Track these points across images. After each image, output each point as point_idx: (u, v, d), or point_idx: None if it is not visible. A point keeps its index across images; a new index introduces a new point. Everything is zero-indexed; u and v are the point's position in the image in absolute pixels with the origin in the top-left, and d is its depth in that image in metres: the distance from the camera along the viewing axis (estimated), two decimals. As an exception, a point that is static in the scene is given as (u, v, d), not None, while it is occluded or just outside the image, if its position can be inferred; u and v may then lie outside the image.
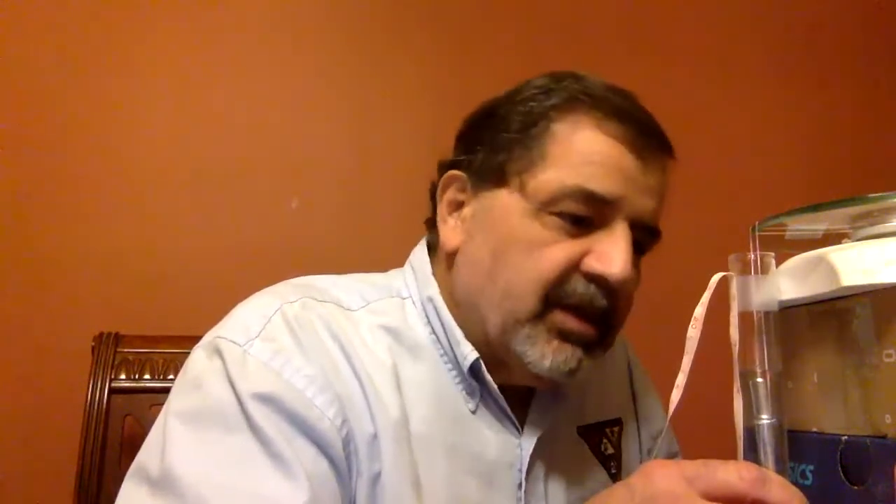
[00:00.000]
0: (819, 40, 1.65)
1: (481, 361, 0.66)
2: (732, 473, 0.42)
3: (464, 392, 0.67)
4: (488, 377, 0.66)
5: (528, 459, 0.67)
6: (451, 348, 0.67)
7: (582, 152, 0.63)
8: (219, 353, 0.60)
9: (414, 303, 0.70)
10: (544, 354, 0.63)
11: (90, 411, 1.01)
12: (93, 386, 1.02)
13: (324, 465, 0.57)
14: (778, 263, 0.49)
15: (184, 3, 1.33)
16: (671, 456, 0.85)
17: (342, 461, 0.59)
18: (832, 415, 0.46)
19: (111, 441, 1.01)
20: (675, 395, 0.51)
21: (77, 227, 1.23)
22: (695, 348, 0.51)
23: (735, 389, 0.47)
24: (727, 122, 1.57)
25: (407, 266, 0.74)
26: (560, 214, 0.62)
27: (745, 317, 0.48)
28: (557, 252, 0.62)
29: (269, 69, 1.36)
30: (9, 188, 1.21)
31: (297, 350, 0.61)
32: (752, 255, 0.48)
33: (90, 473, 0.99)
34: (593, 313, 0.63)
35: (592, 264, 0.62)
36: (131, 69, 1.29)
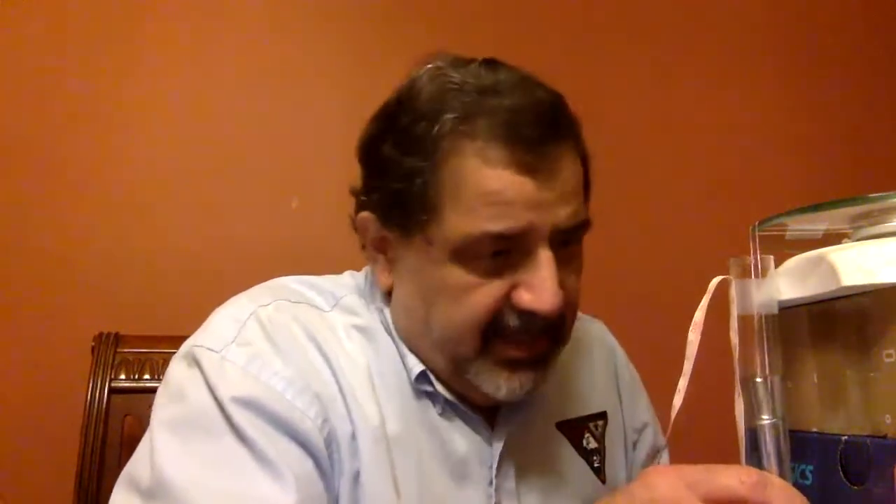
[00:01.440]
0: (819, 40, 1.65)
1: (428, 373, 0.66)
2: (733, 478, 0.42)
3: (426, 396, 0.67)
4: (439, 387, 0.66)
5: (498, 456, 0.68)
6: (402, 358, 0.67)
7: (474, 195, 0.59)
8: (196, 361, 0.61)
9: (376, 308, 0.70)
10: (498, 386, 0.63)
11: (90, 411, 1.01)
12: (93, 386, 1.02)
13: (309, 465, 0.58)
14: (778, 263, 0.49)
15: (183, 4, 1.33)
16: (657, 451, 0.84)
17: (325, 460, 0.59)
18: (832, 415, 0.46)
19: (111, 441, 1.01)
20: (678, 400, 0.51)
21: (77, 227, 1.23)
22: (695, 352, 0.50)
23: (736, 393, 0.47)
24: (727, 122, 1.57)
25: (366, 274, 0.74)
26: (476, 258, 0.60)
27: (745, 319, 0.48)
28: (483, 295, 0.61)
29: (269, 69, 1.36)
30: (9, 188, 1.21)
31: (274, 353, 0.61)
32: (752, 258, 0.48)
33: (90, 473, 0.99)
34: (532, 335, 0.62)
35: (522, 298, 0.61)
36: (131, 69, 1.29)
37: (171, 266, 1.25)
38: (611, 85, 1.49)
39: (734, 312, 0.48)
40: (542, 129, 0.60)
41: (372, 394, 0.64)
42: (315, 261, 1.33)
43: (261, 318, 0.63)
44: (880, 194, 0.47)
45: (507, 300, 0.61)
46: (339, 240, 1.35)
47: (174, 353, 1.06)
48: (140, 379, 1.04)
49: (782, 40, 1.64)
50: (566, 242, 0.63)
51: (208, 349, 0.61)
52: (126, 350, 1.05)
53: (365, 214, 0.67)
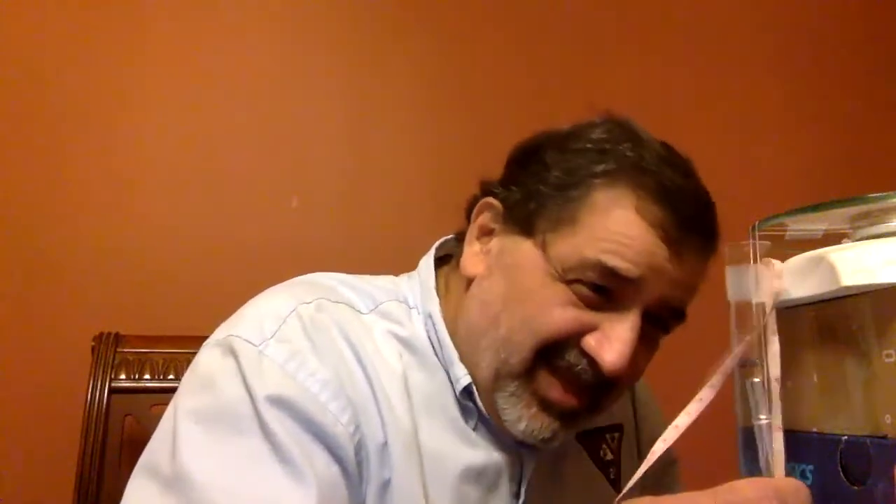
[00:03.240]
0: (819, 39, 1.65)
1: (475, 386, 0.66)
2: None
3: (461, 411, 0.67)
4: (480, 403, 0.66)
5: (529, 472, 0.68)
6: (447, 368, 0.67)
7: (612, 231, 0.61)
8: (233, 352, 0.59)
9: (419, 313, 0.70)
10: (521, 418, 0.63)
11: (90, 411, 1.01)
12: (93, 386, 1.02)
13: (335, 470, 0.57)
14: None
15: (184, 4, 1.33)
16: (668, 464, 0.84)
17: (353, 467, 0.59)
18: (832, 415, 0.46)
19: (111, 441, 1.01)
20: (696, 408, 0.50)
21: (77, 227, 1.23)
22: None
23: (759, 386, 0.46)
24: (727, 122, 1.57)
25: (415, 274, 0.73)
26: (579, 282, 0.61)
27: (740, 308, 0.47)
28: (566, 315, 0.61)
29: (269, 69, 1.36)
30: (9, 188, 1.21)
31: (312, 353, 0.60)
32: (752, 258, 0.47)
33: (90, 473, 0.99)
34: (579, 384, 0.62)
35: (591, 344, 0.61)
36: (131, 69, 1.29)
37: (171, 266, 1.25)
38: (610, 85, 1.49)
39: (771, 301, 0.47)
40: (697, 220, 0.63)
41: (406, 401, 0.63)
42: (315, 261, 1.33)
43: (302, 316, 0.62)
44: (880, 194, 0.47)
45: (579, 336, 0.61)
46: (339, 240, 1.36)
47: (174, 353, 1.08)
48: (140, 379, 1.04)
49: (782, 40, 1.64)
50: (657, 323, 0.64)
51: (246, 341, 0.60)
52: (126, 350, 1.05)
53: (491, 200, 0.69)
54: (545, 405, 0.63)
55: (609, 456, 0.75)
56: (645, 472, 0.77)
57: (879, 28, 1.70)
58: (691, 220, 0.62)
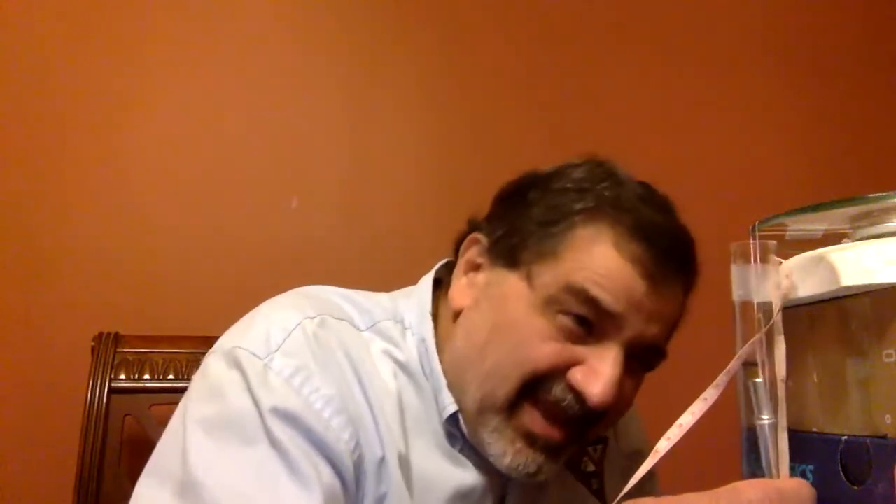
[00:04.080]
0: (820, 39, 1.65)
1: (460, 415, 0.66)
2: None
3: (447, 435, 0.68)
4: (465, 430, 0.67)
5: (515, 492, 0.69)
6: (435, 393, 0.68)
7: (592, 266, 0.62)
8: (238, 364, 0.60)
9: (413, 334, 0.71)
10: (505, 453, 0.64)
11: (90, 411, 1.01)
12: (93, 386, 1.02)
13: (337, 485, 0.58)
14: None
15: (185, 4, 1.33)
16: (647, 477, 0.84)
17: (352, 484, 0.60)
18: (832, 415, 0.46)
19: (111, 441, 1.01)
20: (701, 407, 0.50)
21: (77, 227, 1.23)
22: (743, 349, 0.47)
23: (762, 386, 0.46)
24: (727, 122, 1.57)
25: (415, 293, 0.74)
26: (563, 313, 0.62)
27: (745, 307, 0.47)
28: (550, 349, 0.62)
29: (269, 69, 1.36)
30: (9, 188, 1.21)
31: (317, 369, 0.61)
32: (753, 258, 0.47)
33: (90, 473, 0.99)
34: (564, 418, 0.63)
35: (577, 377, 0.62)
36: (132, 69, 1.29)
37: (171, 266, 1.25)
38: (611, 85, 1.49)
39: (778, 300, 0.47)
40: (675, 256, 0.65)
41: (399, 420, 0.64)
42: (315, 261, 1.33)
43: (307, 330, 0.63)
44: (880, 194, 0.47)
45: (564, 370, 0.62)
46: (339, 240, 1.36)
47: (174, 353, 1.08)
48: (140, 379, 1.04)
49: (782, 40, 1.64)
50: (636, 358, 0.65)
51: (252, 353, 0.61)
52: (126, 350, 1.05)
53: (479, 235, 0.71)
54: (530, 440, 0.63)
55: (591, 467, 0.76)
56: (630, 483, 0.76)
57: (879, 28, 1.70)
58: (668, 256, 0.64)
